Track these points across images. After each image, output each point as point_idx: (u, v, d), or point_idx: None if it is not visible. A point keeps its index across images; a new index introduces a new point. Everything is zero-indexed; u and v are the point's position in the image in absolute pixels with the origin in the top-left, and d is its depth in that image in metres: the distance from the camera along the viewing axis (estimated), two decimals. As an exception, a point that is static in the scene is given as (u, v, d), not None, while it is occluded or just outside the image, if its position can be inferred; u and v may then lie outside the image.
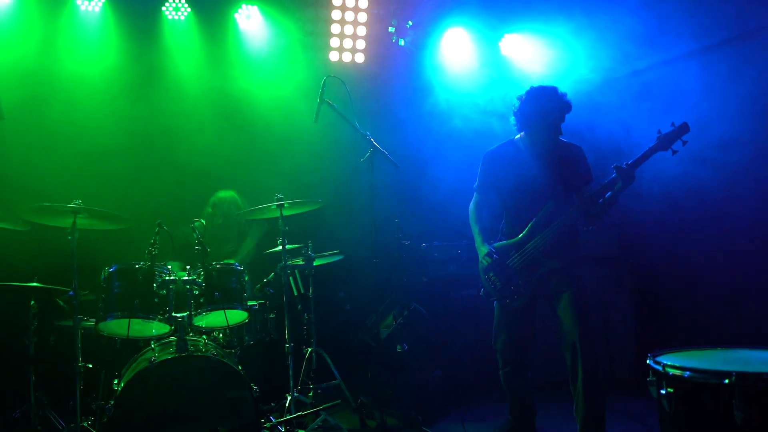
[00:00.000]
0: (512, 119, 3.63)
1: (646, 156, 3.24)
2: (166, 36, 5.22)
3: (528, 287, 3.47)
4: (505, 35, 5.92)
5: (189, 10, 5.22)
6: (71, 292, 3.62)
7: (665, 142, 3.21)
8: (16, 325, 3.91)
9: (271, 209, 4.12)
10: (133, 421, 3.34)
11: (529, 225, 3.47)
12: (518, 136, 3.67)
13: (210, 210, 4.92)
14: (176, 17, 5.21)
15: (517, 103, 3.59)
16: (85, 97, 4.84)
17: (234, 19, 5.37)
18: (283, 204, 4.04)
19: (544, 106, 3.48)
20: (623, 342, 4.86)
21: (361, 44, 5.66)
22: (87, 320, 3.72)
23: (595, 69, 5.21)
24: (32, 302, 3.82)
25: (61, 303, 4.14)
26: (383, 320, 4.59)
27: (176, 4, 5.18)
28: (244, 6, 5.32)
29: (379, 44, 5.73)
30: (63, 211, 3.60)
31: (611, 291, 4.93)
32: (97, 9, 4.95)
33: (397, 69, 5.80)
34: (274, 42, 5.48)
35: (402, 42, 5.81)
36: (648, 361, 2.54)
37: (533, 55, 5.80)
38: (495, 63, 5.94)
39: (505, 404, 3.70)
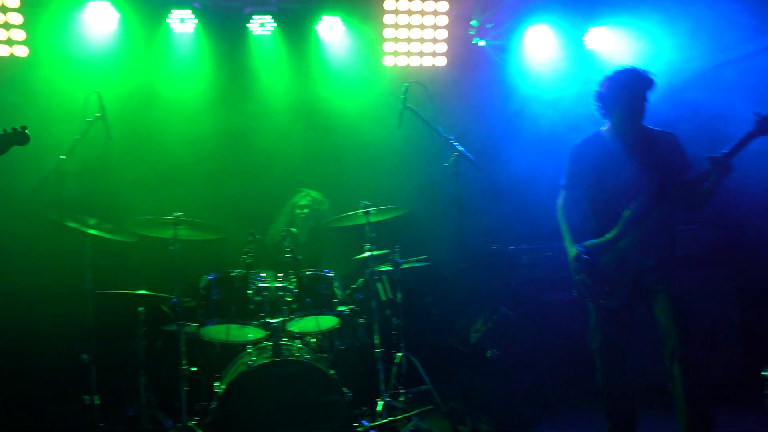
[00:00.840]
0: (596, 108, 3.45)
1: (743, 142, 2.99)
2: (253, 51, 5.43)
3: (622, 288, 3.32)
4: (590, 29, 5.72)
5: (275, 24, 5.40)
6: (175, 299, 3.86)
7: (764, 125, 2.95)
8: (126, 330, 4.20)
9: (357, 216, 4.19)
10: (233, 422, 3.50)
11: (620, 222, 3.31)
12: (604, 127, 3.49)
13: (304, 210, 4.95)
14: (262, 32, 5.41)
15: (598, 89, 3.41)
16: (180, 115, 5.13)
17: (315, 31, 5.50)
18: (369, 211, 4.10)
19: (624, 85, 3.28)
20: (730, 349, 4.56)
21: (441, 48, 5.64)
22: (189, 325, 3.93)
23: (690, 58, 4.94)
24: (140, 308, 4.09)
25: (166, 309, 4.39)
26: (472, 325, 4.55)
27: (262, 20, 5.37)
28: (324, 17, 5.44)
29: (460, 47, 5.69)
30: (165, 223, 3.86)
31: (715, 294, 4.64)
32: (189, 30, 5.22)
33: (478, 70, 5.74)
34: (355, 50, 5.56)
35: (483, 43, 5.75)
36: (764, 373, 2.37)
37: (620, 47, 5.57)
38: (580, 58, 5.74)
39: (602, 412, 3.55)
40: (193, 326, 3.92)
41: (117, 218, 4.15)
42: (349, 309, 4.25)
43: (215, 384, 3.75)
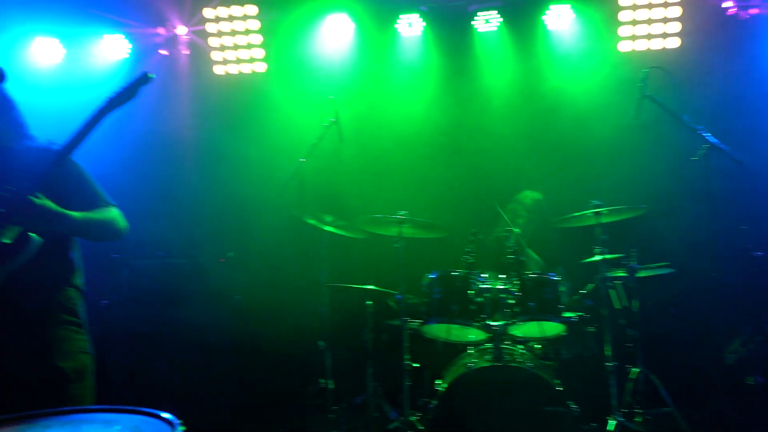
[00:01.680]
0: None
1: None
2: (477, 47, 5.39)
3: None
4: None
5: (500, 19, 5.30)
6: (399, 296, 3.98)
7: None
8: (356, 321, 4.46)
9: (587, 217, 3.89)
10: (452, 422, 3.48)
11: None
12: None
13: (523, 213, 4.80)
14: (487, 29, 5.34)
15: None
16: (407, 116, 5.29)
17: (542, 22, 5.27)
18: (600, 211, 3.77)
19: None
20: None
21: (683, 26, 4.97)
22: (412, 322, 4.02)
23: None
24: (369, 302, 4.30)
25: (392, 304, 4.56)
26: (727, 345, 3.93)
27: (487, 16, 5.31)
28: (552, 7, 5.17)
29: (707, 23, 4.95)
30: (390, 222, 4.00)
31: None
32: (416, 33, 5.36)
33: (725, 48, 4.91)
34: (586, 38, 5.20)
35: (739, 14, 4.93)
36: None
37: None
38: None
39: None
40: (416, 323, 3.99)
41: (348, 216, 4.41)
42: (577, 316, 3.95)
43: (436, 382, 3.78)
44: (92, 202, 2.36)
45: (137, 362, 4.67)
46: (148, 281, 4.86)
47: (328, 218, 4.31)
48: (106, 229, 2.39)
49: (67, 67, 5.36)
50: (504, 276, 3.81)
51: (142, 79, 2.30)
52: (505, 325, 3.65)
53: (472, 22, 5.32)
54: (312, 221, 4.19)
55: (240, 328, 4.89)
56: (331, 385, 4.32)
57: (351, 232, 4.38)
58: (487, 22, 5.32)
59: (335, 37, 5.37)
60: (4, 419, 1.51)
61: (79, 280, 2.46)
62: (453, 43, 5.37)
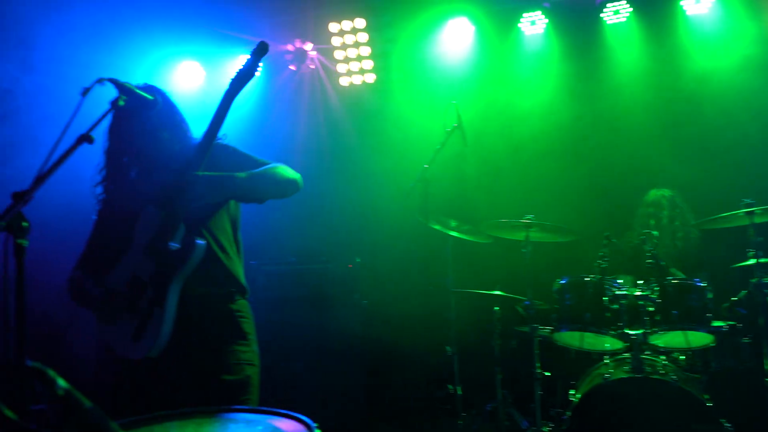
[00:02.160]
0: None
1: None
2: (607, 40, 5.14)
3: None
4: None
5: (630, 9, 5.02)
6: (527, 302, 3.87)
7: None
8: (484, 327, 4.40)
9: (737, 217, 3.55)
10: (588, 435, 3.32)
11: None
12: None
13: (664, 211, 4.48)
14: (617, 20, 5.08)
15: None
16: (531, 117, 5.13)
17: (680, 8, 4.90)
18: (754, 210, 3.43)
19: None
20: None
21: None
22: (542, 329, 3.89)
23: None
24: (496, 308, 4.23)
25: (520, 310, 4.45)
26: None
27: (617, 7, 5.05)
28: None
29: None
30: (517, 226, 3.91)
31: None
32: (539, 30, 5.21)
33: None
34: (730, 22, 4.77)
35: None
36: None
37: None
38: None
39: None
40: (546, 329, 3.86)
41: (474, 221, 4.36)
42: (728, 325, 3.62)
43: (570, 392, 3.63)
44: (256, 167, 2.37)
45: (273, 364, 4.92)
46: (280, 287, 5.10)
47: (453, 223, 4.29)
48: (276, 180, 2.37)
49: (207, 89, 5.77)
50: (642, 282, 3.57)
51: (260, 50, 2.30)
52: (645, 334, 3.42)
53: (601, 15, 5.09)
54: (437, 226, 4.19)
55: (368, 332, 5.01)
56: (459, 390, 4.30)
57: (476, 237, 4.33)
58: (616, 14, 5.07)
59: (456, 41, 5.37)
60: (160, 415, 1.65)
61: (244, 286, 2.47)
62: (579, 38, 5.15)
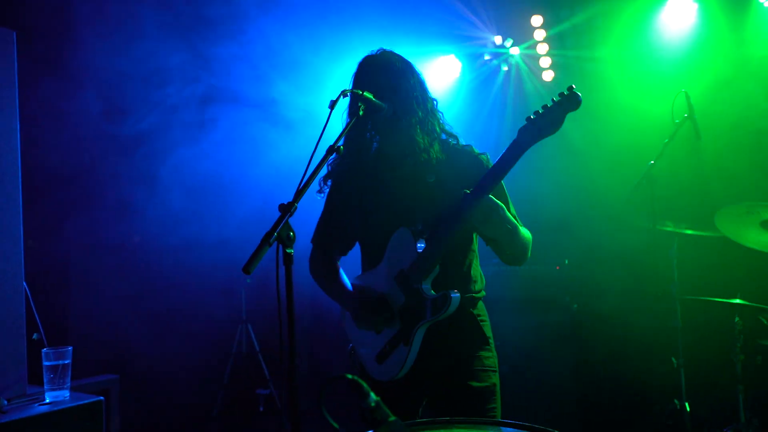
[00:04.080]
0: None
1: None
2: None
3: None
4: None
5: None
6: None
7: None
8: (718, 339, 3.94)
9: None
10: None
11: None
12: None
13: None
14: None
15: None
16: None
17: None
18: None
19: None
20: None
21: None
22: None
23: None
24: (736, 319, 3.75)
25: (765, 321, 3.91)
26: None
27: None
28: None
29: None
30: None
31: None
32: None
33: None
34: None
35: None
36: None
37: None
38: None
39: None
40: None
41: (710, 220, 3.91)
42: None
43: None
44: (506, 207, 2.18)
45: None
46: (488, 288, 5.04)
47: (682, 224, 3.92)
48: (525, 246, 2.23)
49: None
50: None
51: (568, 100, 1.98)
52: None
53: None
54: (664, 227, 3.85)
55: (579, 337, 4.76)
56: (687, 407, 3.91)
57: (705, 232, 3.90)
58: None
59: (678, 22, 4.86)
60: (425, 422, 1.68)
61: (482, 288, 2.38)
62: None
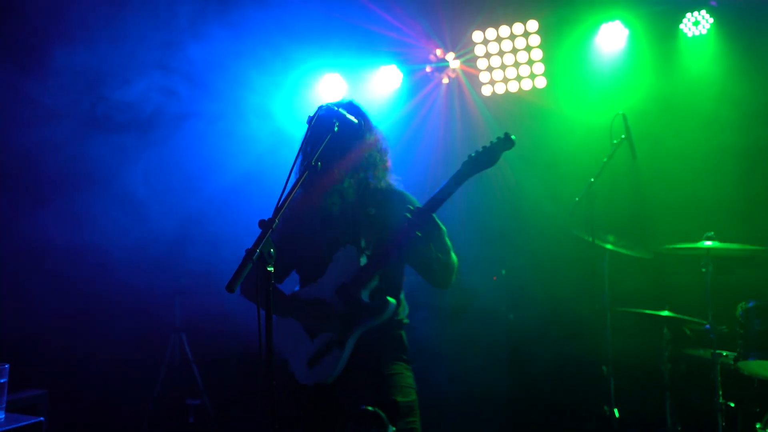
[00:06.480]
0: None
1: None
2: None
3: None
4: None
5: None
6: (707, 326, 3.62)
7: None
8: (646, 349, 4.17)
9: None
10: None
11: None
12: None
13: None
14: None
15: None
16: (703, 125, 4.58)
17: None
18: None
19: None
20: None
21: None
22: (724, 356, 3.62)
23: None
24: (665, 330, 3.98)
25: (688, 332, 4.18)
26: None
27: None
28: None
29: None
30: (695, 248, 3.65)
31: None
32: (703, 32, 4.85)
33: None
34: None
35: None
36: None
37: None
38: None
39: None
40: (729, 356, 3.58)
41: (643, 238, 4.13)
42: None
43: (757, 426, 3.36)
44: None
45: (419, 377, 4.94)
46: (427, 297, 5.08)
47: (611, 237, 4.14)
48: (453, 269, 2.50)
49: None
50: None
51: (505, 142, 2.31)
52: None
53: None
54: (604, 243, 4.05)
55: (514, 346, 4.90)
56: (616, 413, 4.11)
57: (637, 252, 4.13)
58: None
59: (610, 46, 5.09)
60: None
61: (405, 315, 2.60)
62: (752, 38, 4.67)
